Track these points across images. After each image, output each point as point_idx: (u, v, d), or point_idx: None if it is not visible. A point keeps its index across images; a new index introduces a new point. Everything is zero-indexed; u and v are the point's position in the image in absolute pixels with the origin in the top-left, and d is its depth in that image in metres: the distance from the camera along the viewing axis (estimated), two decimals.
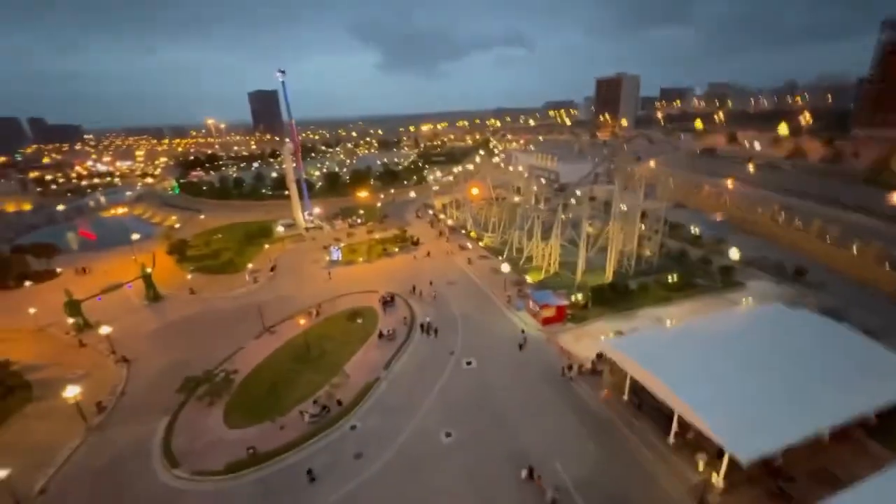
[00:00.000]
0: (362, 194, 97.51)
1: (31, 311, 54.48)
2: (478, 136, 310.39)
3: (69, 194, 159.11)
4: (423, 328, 47.36)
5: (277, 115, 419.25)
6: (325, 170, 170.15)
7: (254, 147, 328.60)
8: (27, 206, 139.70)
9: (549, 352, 42.13)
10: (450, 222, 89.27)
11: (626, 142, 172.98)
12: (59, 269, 74.25)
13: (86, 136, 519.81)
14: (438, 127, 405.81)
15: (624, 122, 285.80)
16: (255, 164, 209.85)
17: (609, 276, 56.28)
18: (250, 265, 69.28)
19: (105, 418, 36.62)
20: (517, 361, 40.75)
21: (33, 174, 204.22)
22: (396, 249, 74.78)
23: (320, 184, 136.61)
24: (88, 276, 71.44)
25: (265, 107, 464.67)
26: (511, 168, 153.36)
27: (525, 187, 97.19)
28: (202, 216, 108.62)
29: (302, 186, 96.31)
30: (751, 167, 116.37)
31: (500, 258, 67.17)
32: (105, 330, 46.11)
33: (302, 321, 47.29)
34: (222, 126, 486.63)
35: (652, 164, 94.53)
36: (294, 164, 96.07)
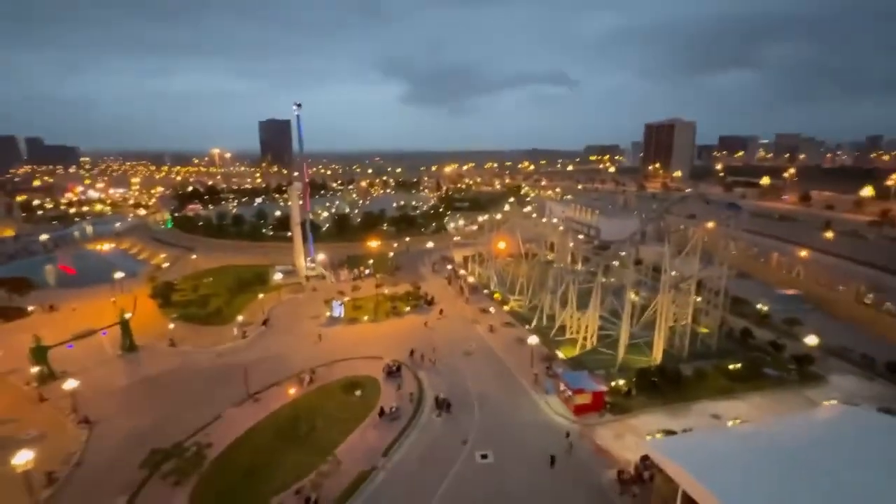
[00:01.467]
0: (373, 243, 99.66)
1: None
2: (507, 181, 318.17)
3: (55, 222, 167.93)
4: (438, 403, 46.70)
5: (287, 145, 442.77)
6: (334, 210, 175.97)
7: (259, 180, 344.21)
8: (9, 233, 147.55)
9: (583, 448, 40.26)
10: (471, 280, 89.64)
11: (680, 198, 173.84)
12: (30, 308, 76.92)
13: (82, 159, 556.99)
14: (463, 168, 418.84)
15: (677, 174, 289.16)
16: (259, 200, 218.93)
17: (657, 357, 54.62)
18: (240, 317, 70.34)
19: (55, 492, 36.21)
20: (543, 459, 38.94)
21: (21, 197, 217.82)
22: (408, 309, 74.98)
23: (327, 226, 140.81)
24: (62, 317, 73.62)
25: (275, 137, 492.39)
26: (544, 220, 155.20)
27: (560, 243, 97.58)
28: (194, 256, 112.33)
29: (307, 229, 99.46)
30: (829, 234, 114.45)
31: (528, 327, 66.40)
32: (70, 384, 46.69)
33: (292, 390, 47.00)
34: (227, 155, 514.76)
35: (710, 224, 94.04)
36: (301, 204, 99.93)
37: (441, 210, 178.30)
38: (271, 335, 66.85)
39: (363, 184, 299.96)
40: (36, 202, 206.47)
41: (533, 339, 56.56)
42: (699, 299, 63.71)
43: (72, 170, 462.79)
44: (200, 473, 37.54)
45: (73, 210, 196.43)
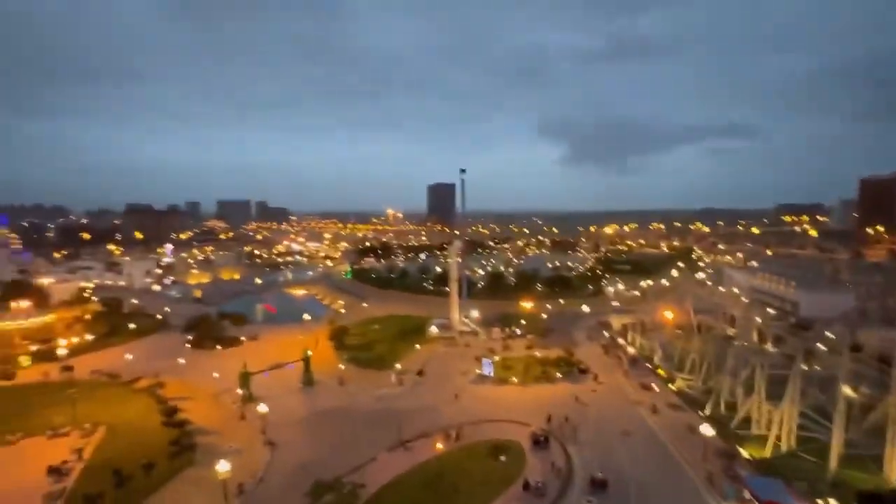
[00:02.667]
0: (527, 303, 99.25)
1: (215, 375, 69.40)
2: (676, 243, 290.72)
3: (267, 269, 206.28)
4: (593, 484, 42.70)
5: (451, 207, 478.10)
6: (489, 268, 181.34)
7: (424, 238, 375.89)
8: (236, 276, 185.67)
9: None
10: (631, 350, 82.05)
11: None
12: (243, 338, 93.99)
13: (291, 218, 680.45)
14: (625, 229, 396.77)
15: None
16: (423, 256, 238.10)
17: (891, 478, 41.62)
18: (398, 365, 75.25)
19: (242, 502, 41.97)
20: None
21: (248, 248, 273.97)
22: (559, 375, 71.48)
23: (482, 283, 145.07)
24: (262, 348, 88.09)
25: (441, 199, 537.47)
26: (722, 289, 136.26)
27: (743, 317, 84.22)
28: (365, 304, 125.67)
29: (463, 285, 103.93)
30: None
31: (701, 413, 57.28)
32: (262, 408, 54.94)
33: (439, 444, 47.76)
34: (399, 215, 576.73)
35: None
36: (459, 262, 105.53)
37: (599, 272, 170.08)
38: (424, 385, 69.75)
39: (519, 243, 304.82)
40: (256, 252, 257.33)
41: (707, 429, 48.37)
42: None
43: (283, 227, 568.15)
44: None
45: (280, 260, 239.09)
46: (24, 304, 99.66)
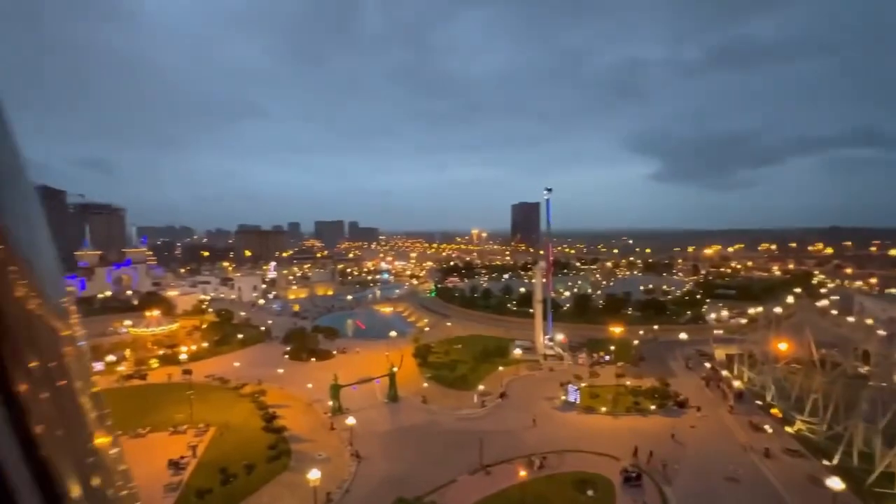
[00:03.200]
0: (616, 329, 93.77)
1: (309, 385, 73.88)
2: (791, 266, 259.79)
3: (357, 286, 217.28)
4: None
5: (535, 225, 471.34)
6: (575, 290, 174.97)
7: (507, 257, 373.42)
8: (330, 292, 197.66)
9: None
10: (737, 384, 74.01)
11: None
12: (335, 352, 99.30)
13: (380, 237, 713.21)
14: (729, 250, 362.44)
15: None
16: (506, 276, 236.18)
17: None
18: (481, 386, 74.66)
19: None
20: None
21: (340, 266, 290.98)
22: (653, 407, 66.37)
23: (568, 305, 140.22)
24: (351, 362, 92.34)
25: (525, 218, 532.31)
26: (851, 319, 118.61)
27: (880, 354, 72.54)
28: (449, 323, 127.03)
29: (548, 307, 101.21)
30: None
31: (826, 463, 49.80)
32: (350, 420, 57.33)
33: (522, 472, 46.29)
34: (483, 234, 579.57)
35: None
36: (543, 282, 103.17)
37: (698, 297, 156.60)
38: (507, 409, 68.40)
39: (608, 264, 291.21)
40: (348, 270, 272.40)
41: (835, 483, 41.80)
42: None
43: (373, 246, 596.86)
44: None
45: (369, 277, 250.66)
46: (156, 313, 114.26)
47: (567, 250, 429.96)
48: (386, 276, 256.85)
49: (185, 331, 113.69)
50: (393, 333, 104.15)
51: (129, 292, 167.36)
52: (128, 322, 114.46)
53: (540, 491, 45.47)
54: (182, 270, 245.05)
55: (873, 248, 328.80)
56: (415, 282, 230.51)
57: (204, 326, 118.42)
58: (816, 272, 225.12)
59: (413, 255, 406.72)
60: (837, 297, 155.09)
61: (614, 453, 52.79)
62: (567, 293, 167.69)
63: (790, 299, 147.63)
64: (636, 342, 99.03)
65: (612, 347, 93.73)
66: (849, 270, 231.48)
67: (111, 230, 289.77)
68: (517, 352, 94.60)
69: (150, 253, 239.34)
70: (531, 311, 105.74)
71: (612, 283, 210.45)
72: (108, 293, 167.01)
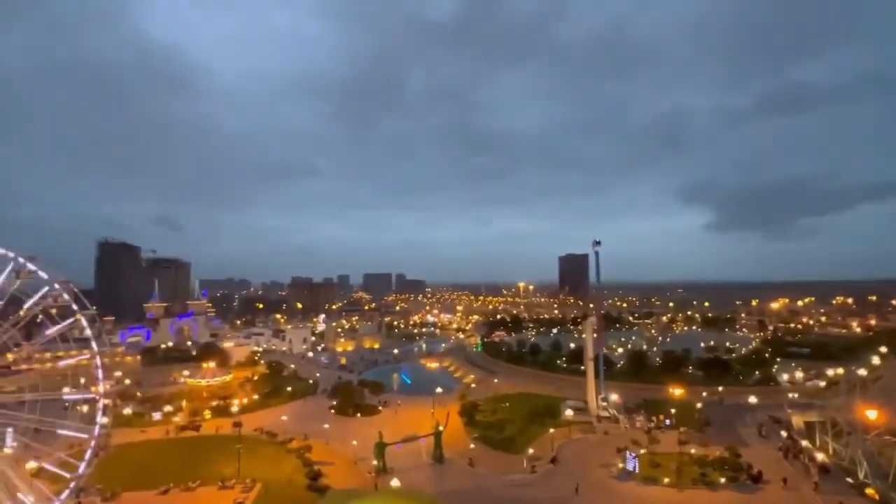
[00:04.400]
0: (677, 390, 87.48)
1: (354, 442, 72.95)
2: (873, 322, 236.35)
3: (404, 339, 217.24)
4: None
5: (584, 277, 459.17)
6: (629, 346, 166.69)
7: (556, 311, 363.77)
8: (376, 345, 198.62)
9: None
10: (820, 457, 66.15)
11: None
12: (380, 407, 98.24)
13: (426, 290, 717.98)
14: (798, 303, 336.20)
15: None
16: (555, 330, 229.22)
17: None
18: (531, 450, 70.92)
19: None
20: None
21: (387, 318, 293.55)
22: (722, 480, 60.21)
23: (622, 363, 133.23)
24: (396, 417, 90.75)
25: (573, 269, 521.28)
26: None
27: None
28: (496, 379, 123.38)
29: (600, 364, 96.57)
30: None
31: None
32: (395, 482, 55.57)
33: None
34: (531, 287, 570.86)
35: None
36: (595, 338, 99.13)
37: (767, 355, 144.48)
38: (559, 475, 64.18)
39: (664, 318, 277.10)
40: (395, 322, 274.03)
41: None
42: None
43: (419, 298, 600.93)
44: None
45: (416, 331, 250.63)
46: (212, 364, 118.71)
47: (619, 304, 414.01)
48: (432, 328, 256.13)
49: (237, 382, 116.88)
50: (439, 389, 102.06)
51: (189, 343, 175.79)
52: (185, 373, 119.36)
53: None
54: (238, 322, 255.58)
55: None
56: (461, 335, 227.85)
57: (255, 378, 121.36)
58: None
59: (459, 307, 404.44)
60: None
61: None
62: (620, 349, 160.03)
63: (876, 359, 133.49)
64: (699, 405, 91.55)
65: (673, 410, 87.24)
66: None
67: (177, 283, 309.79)
68: (568, 412, 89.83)
69: (210, 305, 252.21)
70: (582, 367, 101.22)
71: (668, 339, 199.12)
72: (170, 343, 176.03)
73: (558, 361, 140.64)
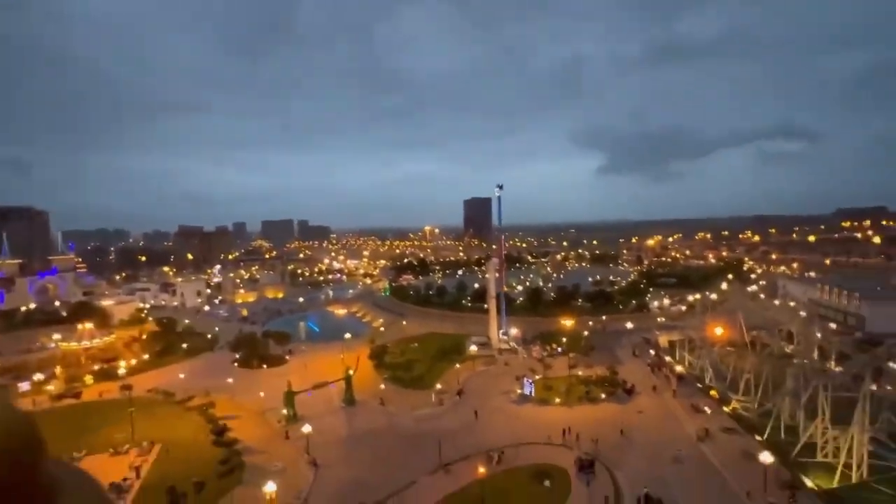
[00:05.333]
0: (567, 321, 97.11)
1: (261, 394, 71.55)
2: (725, 254, 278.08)
3: (309, 287, 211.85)
4: (646, 501, 42.18)
5: (488, 220, 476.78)
6: (527, 283, 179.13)
7: (461, 253, 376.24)
8: (280, 295, 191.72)
9: None
10: (679, 369, 78.68)
11: None
12: (287, 357, 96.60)
13: (331, 236, 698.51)
14: (669, 239, 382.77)
15: None
16: (460, 272, 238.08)
17: None
18: (438, 385, 75.14)
19: None
20: None
21: (290, 266, 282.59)
22: (603, 395, 69.35)
23: (521, 299, 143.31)
24: (305, 366, 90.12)
25: (477, 213, 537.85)
26: (777, 302, 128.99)
27: (802, 333, 79.43)
28: (404, 322, 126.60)
29: (501, 302, 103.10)
30: None
31: (758, 438, 53.97)
32: (306, 428, 56.02)
33: (481, 468, 47.10)
34: (436, 231, 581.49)
35: None
36: (497, 277, 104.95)
37: (642, 286, 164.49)
38: (464, 406, 69.18)
39: (557, 257, 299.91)
40: (299, 271, 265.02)
41: (766, 456, 45.48)
42: None
43: (324, 245, 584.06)
44: None
45: (321, 278, 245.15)
46: (89, 325, 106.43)
47: (519, 244, 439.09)
48: (338, 275, 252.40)
49: (122, 342, 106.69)
50: (348, 335, 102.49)
51: (57, 303, 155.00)
52: (57, 336, 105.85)
53: (499, 485, 46.45)
54: (117, 277, 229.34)
55: (794, 235, 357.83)
56: (368, 281, 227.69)
57: (144, 337, 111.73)
58: (746, 259, 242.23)
59: (366, 253, 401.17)
60: (764, 282, 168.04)
61: (568, 443, 54.77)
62: (520, 287, 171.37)
63: (724, 286, 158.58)
64: (586, 333, 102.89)
65: (564, 339, 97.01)
66: (774, 256, 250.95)
67: (33, 236, 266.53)
68: (473, 348, 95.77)
69: (79, 260, 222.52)
70: (485, 306, 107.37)
71: (562, 276, 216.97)
72: (32, 305, 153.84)
73: (463, 301, 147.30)
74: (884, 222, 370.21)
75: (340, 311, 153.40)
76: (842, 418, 47.34)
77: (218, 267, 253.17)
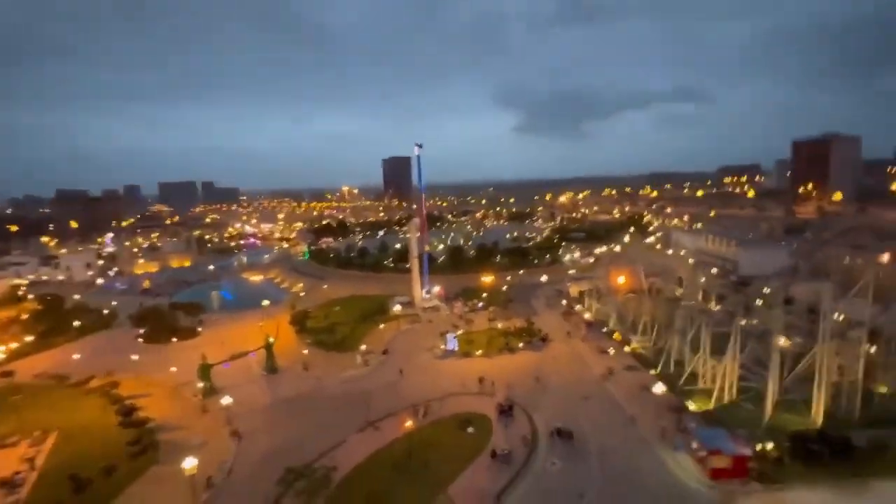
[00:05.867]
0: (487, 277, 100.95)
1: (173, 369, 67.26)
2: (627, 209, 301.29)
3: (221, 254, 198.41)
4: (561, 435, 47.07)
5: (408, 179, 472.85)
6: (449, 242, 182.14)
7: (382, 213, 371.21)
8: (187, 263, 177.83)
9: None
10: (587, 316, 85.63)
11: (841, 229, 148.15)
12: (200, 329, 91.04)
13: (241, 198, 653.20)
14: (579, 196, 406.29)
15: (837, 196, 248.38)
16: (381, 232, 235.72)
17: (817, 420, 46.33)
18: (363, 346, 75.34)
19: (211, 497, 41.62)
20: None
21: (197, 232, 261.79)
22: (521, 345, 73.92)
23: (443, 258, 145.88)
24: (221, 337, 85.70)
25: (397, 172, 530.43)
26: (670, 252, 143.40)
27: (689, 278, 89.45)
28: (325, 286, 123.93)
29: (424, 261, 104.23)
30: None
31: (653, 372, 61.06)
32: (226, 400, 53.94)
33: (408, 422, 48.73)
34: (355, 191, 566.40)
35: (885, 257, 78.53)
36: (418, 237, 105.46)
37: (555, 241, 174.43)
38: (390, 364, 70.38)
39: (477, 215, 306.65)
40: (207, 237, 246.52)
41: (659, 387, 51.83)
42: (873, 350, 53.10)
43: (234, 207, 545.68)
44: (326, 495, 40.41)
45: (233, 244, 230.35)
46: None
47: (440, 203, 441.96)
48: (252, 239, 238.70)
49: None
50: (266, 302, 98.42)
51: None
52: None
53: (426, 436, 48.53)
54: None
55: (686, 191, 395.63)
56: (285, 245, 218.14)
57: (24, 317, 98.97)
58: (645, 213, 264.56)
59: (281, 216, 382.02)
60: (660, 234, 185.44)
61: (486, 391, 58.15)
62: (441, 246, 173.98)
63: (626, 239, 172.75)
64: (504, 287, 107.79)
65: (484, 294, 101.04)
66: (669, 210, 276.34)
67: None
68: (396, 308, 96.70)
69: None
70: (408, 266, 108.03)
71: (481, 234, 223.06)
72: None
73: (386, 262, 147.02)
74: (757, 178, 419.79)
75: (256, 278, 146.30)
76: (719, 350, 54.75)
77: (110, 235, 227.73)
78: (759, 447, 41.76)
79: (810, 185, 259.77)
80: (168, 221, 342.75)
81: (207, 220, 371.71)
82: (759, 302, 78.04)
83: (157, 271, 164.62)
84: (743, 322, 55.88)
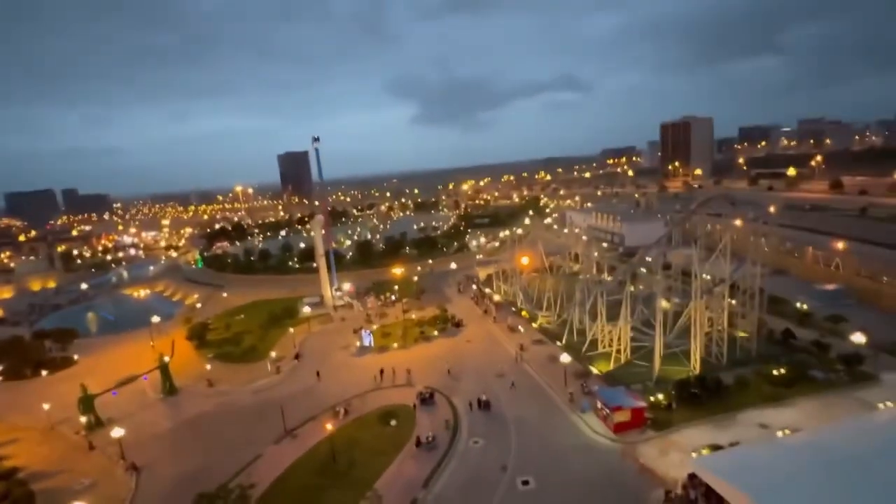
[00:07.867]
0: (398, 269, 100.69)
1: (45, 406, 58.37)
2: (526, 193, 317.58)
3: (93, 270, 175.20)
4: (480, 405, 50.72)
5: (307, 176, 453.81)
6: (356, 237, 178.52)
7: (282, 213, 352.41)
8: (52, 284, 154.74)
9: (627, 470, 39.22)
10: (496, 298, 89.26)
11: (704, 200, 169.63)
12: (76, 357, 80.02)
13: (114, 206, 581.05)
14: (480, 183, 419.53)
15: (698, 171, 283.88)
16: (283, 233, 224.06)
17: (696, 367, 53.11)
18: (273, 353, 71.47)
19: None
20: (585, 481, 38.12)
21: (61, 248, 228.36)
22: (436, 333, 75.07)
23: (351, 254, 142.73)
24: (105, 364, 76.19)
25: (294, 168, 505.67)
26: (566, 231, 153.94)
27: (584, 254, 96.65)
28: (225, 294, 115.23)
29: (331, 259, 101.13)
30: (867, 222, 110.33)
31: (559, 343, 65.53)
32: (117, 433, 48.08)
33: (328, 424, 47.31)
34: (250, 191, 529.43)
35: (738, 222, 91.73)
36: (323, 235, 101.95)
37: (462, 228, 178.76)
38: (304, 368, 67.65)
39: (383, 208, 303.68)
40: (75, 251, 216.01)
41: (565, 357, 55.73)
42: (734, 302, 61.89)
43: (105, 216, 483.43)
44: None
45: (109, 257, 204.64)
46: None
47: (342, 198, 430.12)
48: (132, 251, 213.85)
49: None
50: (156, 318, 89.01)
51: None
52: None
53: (348, 436, 47.55)
54: None
55: (576, 173, 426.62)
56: (173, 254, 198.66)
57: None
58: (542, 196, 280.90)
59: (165, 222, 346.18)
60: (556, 215, 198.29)
61: (408, 382, 58.47)
62: (348, 242, 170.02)
63: (527, 221, 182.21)
64: (416, 278, 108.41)
65: (396, 287, 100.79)
66: (562, 192, 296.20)
67: None
68: (306, 309, 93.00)
69: None
70: (314, 265, 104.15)
71: (388, 226, 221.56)
72: None
73: (290, 263, 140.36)
74: (634, 158, 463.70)
75: (142, 293, 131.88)
76: (613, 316, 60.22)
77: None
78: (651, 399, 46.87)
79: (676, 163, 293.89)
80: (22, 238, 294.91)
81: (74, 232, 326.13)
82: (643, 270, 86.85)
83: (13, 297, 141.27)
84: (632, 289, 61.88)
